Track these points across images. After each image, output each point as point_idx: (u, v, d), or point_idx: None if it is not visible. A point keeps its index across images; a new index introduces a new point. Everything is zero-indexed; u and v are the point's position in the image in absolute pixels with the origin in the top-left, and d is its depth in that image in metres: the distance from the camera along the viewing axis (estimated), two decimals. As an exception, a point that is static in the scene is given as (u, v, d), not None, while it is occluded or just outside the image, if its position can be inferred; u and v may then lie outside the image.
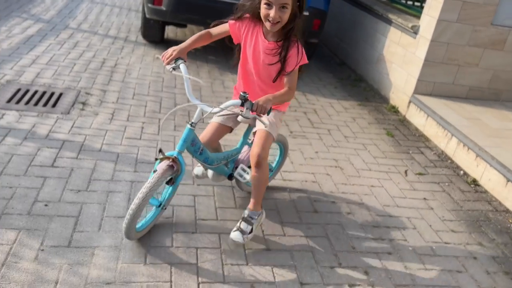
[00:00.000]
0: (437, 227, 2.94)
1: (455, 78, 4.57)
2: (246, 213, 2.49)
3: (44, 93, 3.87)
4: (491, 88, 4.70)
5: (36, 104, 3.65)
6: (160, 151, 2.21)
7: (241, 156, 2.67)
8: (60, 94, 3.89)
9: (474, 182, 3.56)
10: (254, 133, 2.48)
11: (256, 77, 2.39)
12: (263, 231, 2.61)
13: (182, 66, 2.19)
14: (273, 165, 3.01)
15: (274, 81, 2.34)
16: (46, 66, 4.44)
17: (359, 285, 2.33)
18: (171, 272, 2.20)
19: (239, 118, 2.32)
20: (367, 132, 4.22)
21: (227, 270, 2.28)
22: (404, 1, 5.23)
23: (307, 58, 2.31)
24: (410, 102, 4.59)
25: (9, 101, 3.62)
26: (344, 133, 4.12)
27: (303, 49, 2.27)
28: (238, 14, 2.31)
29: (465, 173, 3.69)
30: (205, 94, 4.43)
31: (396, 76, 4.89)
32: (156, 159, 2.21)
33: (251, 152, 2.39)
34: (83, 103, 3.80)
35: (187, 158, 2.55)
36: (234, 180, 2.75)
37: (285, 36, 2.24)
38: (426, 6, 4.46)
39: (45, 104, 3.66)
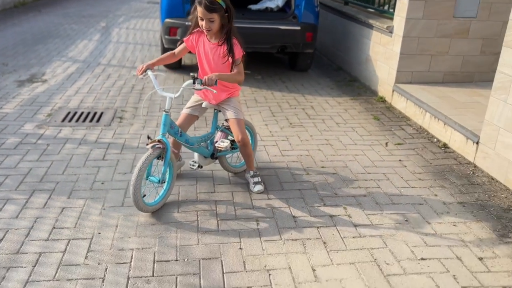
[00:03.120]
0: (407, 177, 3.66)
1: (430, 66, 5.31)
2: (250, 173, 3.33)
3: (88, 113, 4.82)
4: (463, 71, 5.41)
5: (84, 121, 4.59)
6: (148, 137, 3.01)
7: (217, 138, 3.39)
8: (102, 113, 4.83)
9: (445, 145, 4.26)
10: (226, 120, 3.27)
11: (211, 72, 3.09)
12: (266, 189, 3.40)
13: (149, 72, 3.06)
14: None
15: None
16: (87, 94, 5.42)
17: (338, 215, 3.08)
18: (197, 218, 3.01)
19: (203, 104, 3.19)
20: (357, 119, 4.98)
21: (238, 212, 3.07)
22: (381, 8, 6.05)
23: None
24: (393, 91, 5.34)
25: (63, 120, 4.58)
26: (336, 120, 4.89)
27: (240, 43, 3.04)
28: (190, 31, 3.12)
29: (438, 140, 4.39)
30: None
31: (381, 71, 5.66)
32: (147, 144, 2.93)
33: (235, 139, 3.20)
34: (121, 118, 4.72)
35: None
36: (219, 163, 3.52)
37: (224, 37, 3.01)
38: (396, 8, 5.27)
39: (91, 121, 4.60)
